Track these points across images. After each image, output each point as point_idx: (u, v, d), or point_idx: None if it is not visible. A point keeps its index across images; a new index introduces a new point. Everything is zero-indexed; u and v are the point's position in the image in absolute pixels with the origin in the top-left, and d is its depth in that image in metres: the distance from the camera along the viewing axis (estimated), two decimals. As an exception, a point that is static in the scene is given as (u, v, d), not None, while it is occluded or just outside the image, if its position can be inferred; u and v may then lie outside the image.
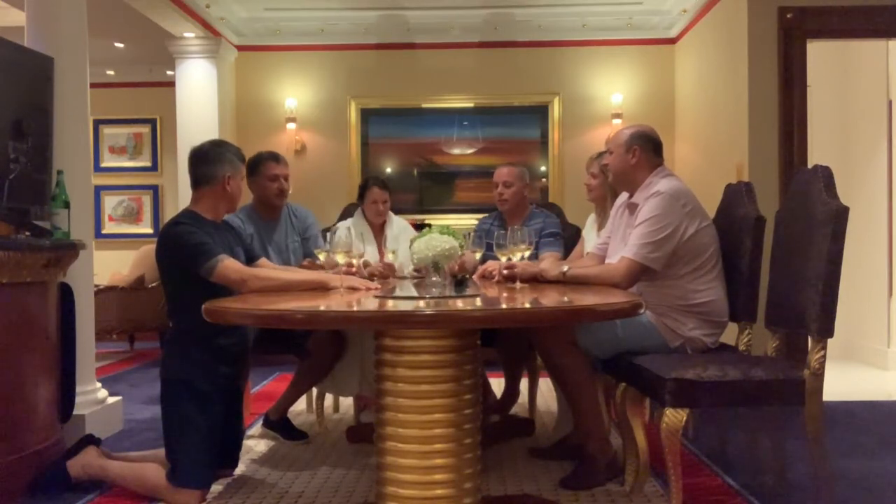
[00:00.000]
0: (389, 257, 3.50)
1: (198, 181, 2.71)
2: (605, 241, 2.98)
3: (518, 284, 2.66)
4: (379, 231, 3.81)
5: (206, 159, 2.69)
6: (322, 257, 3.22)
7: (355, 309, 2.09)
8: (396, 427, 2.04)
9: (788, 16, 4.37)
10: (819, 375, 2.28)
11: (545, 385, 4.07)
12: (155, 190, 7.40)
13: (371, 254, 3.64)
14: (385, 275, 3.34)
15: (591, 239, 3.40)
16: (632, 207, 2.75)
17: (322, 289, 2.58)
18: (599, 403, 2.75)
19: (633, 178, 2.78)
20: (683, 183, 2.74)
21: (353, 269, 2.95)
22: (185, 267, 2.54)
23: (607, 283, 2.61)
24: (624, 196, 2.89)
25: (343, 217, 4.12)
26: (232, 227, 2.90)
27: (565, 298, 2.29)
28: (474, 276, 3.13)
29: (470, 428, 2.08)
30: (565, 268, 2.71)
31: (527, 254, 2.71)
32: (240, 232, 3.02)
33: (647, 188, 2.70)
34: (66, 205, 3.13)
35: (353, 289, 2.49)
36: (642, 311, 2.06)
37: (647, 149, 2.77)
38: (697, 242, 2.63)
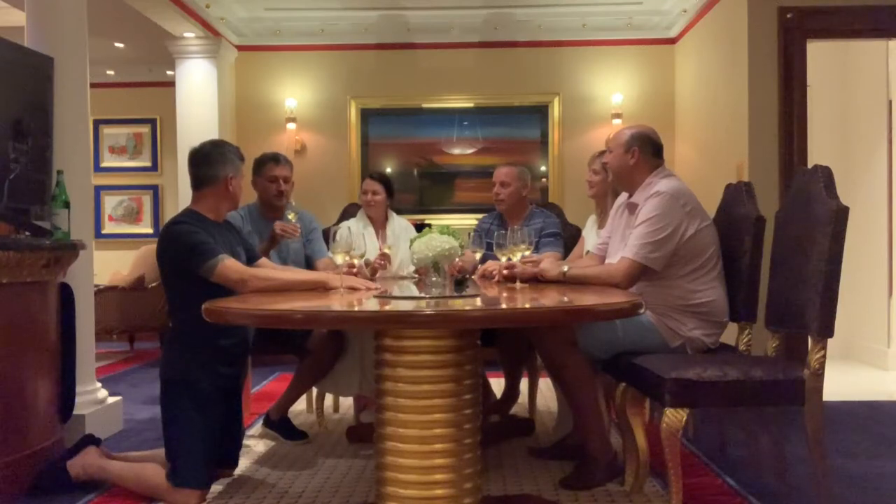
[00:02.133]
0: (386, 251, 3.52)
1: (199, 182, 2.70)
2: (604, 241, 2.98)
3: (518, 284, 2.66)
4: (381, 230, 3.82)
5: (207, 160, 2.68)
6: (278, 228, 3.21)
7: (355, 309, 2.09)
8: (396, 427, 2.04)
9: (788, 16, 4.37)
10: (819, 375, 2.28)
11: (545, 385, 4.08)
12: (155, 190, 7.40)
13: (372, 253, 3.64)
14: (382, 265, 3.38)
15: (591, 239, 3.40)
16: (631, 207, 2.75)
17: (322, 289, 2.58)
18: (600, 403, 2.75)
19: (631, 178, 2.78)
20: (683, 183, 2.74)
21: (355, 270, 2.96)
22: (185, 266, 2.53)
23: (607, 283, 2.61)
24: (624, 196, 2.89)
25: (343, 217, 4.13)
26: (234, 227, 2.90)
27: (565, 298, 2.29)
28: (474, 276, 3.14)
29: (470, 428, 2.08)
30: (565, 268, 2.72)
31: (527, 253, 2.71)
32: (240, 230, 3.03)
33: (647, 188, 2.70)
34: (66, 205, 3.13)
35: (353, 289, 2.49)
36: (642, 311, 2.07)
37: (646, 150, 2.77)
38: (697, 242, 2.63)
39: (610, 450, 2.74)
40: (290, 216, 3.29)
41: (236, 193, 2.73)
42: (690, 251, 2.63)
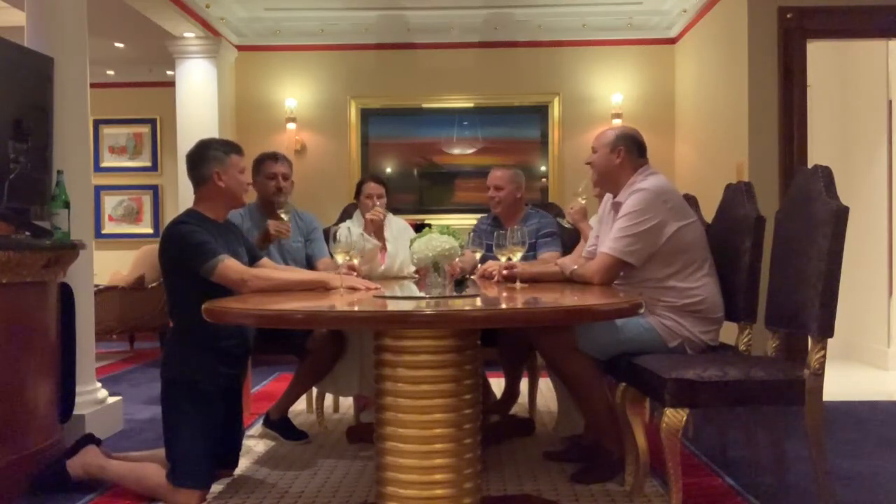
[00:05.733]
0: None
1: (195, 183, 2.73)
2: (594, 244, 2.98)
3: (518, 284, 2.67)
4: (379, 231, 3.81)
5: (193, 162, 2.71)
6: (272, 227, 3.27)
7: (355, 309, 2.09)
8: (396, 427, 2.04)
9: (788, 16, 4.37)
10: (819, 375, 2.28)
11: (545, 385, 4.08)
12: (155, 190, 7.39)
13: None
14: (379, 217, 3.56)
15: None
16: (617, 207, 2.77)
17: (322, 289, 2.58)
18: (610, 400, 2.75)
19: (616, 177, 2.81)
20: (668, 182, 2.76)
21: (354, 272, 2.95)
22: (186, 266, 2.54)
23: (584, 280, 2.66)
24: (610, 197, 2.90)
25: (343, 217, 4.12)
26: (235, 227, 2.90)
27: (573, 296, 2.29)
28: (475, 276, 3.14)
29: (470, 428, 2.07)
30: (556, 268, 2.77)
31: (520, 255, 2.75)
32: (241, 229, 3.03)
33: (631, 187, 2.72)
34: (66, 205, 3.13)
35: (354, 289, 2.49)
36: (642, 310, 2.07)
37: (631, 150, 2.80)
38: (681, 240, 2.64)
39: (623, 443, 2.73)
40: (284, 216, 3.27)
41: (230, 187, 2.69)
42: (674, 249, 2.63)
